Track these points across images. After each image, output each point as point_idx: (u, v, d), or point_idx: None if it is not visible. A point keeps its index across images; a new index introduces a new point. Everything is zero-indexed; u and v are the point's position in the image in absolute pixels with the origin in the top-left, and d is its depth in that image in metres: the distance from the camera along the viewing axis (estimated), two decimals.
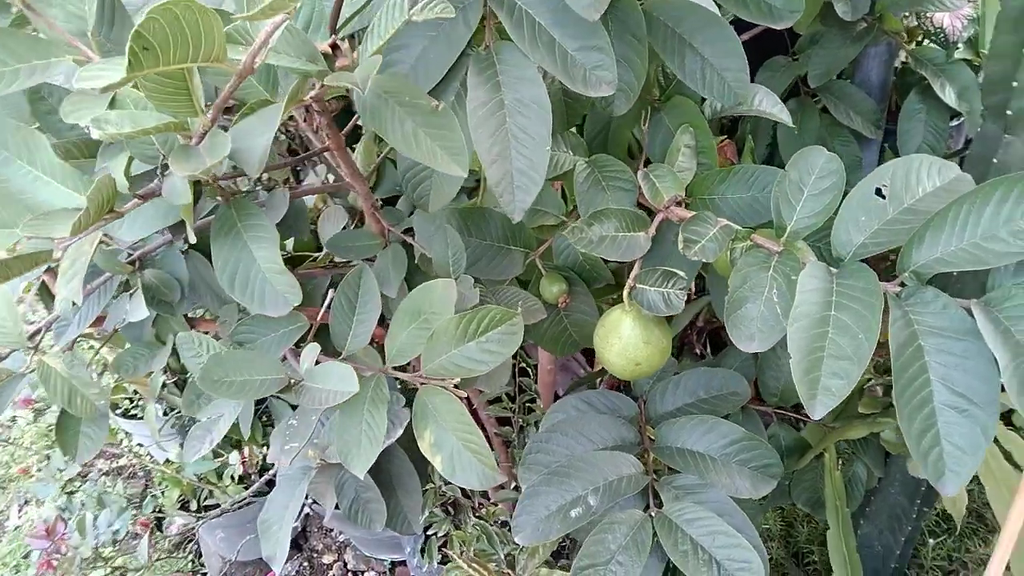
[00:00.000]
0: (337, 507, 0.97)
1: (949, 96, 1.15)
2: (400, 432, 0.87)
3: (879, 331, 0.62)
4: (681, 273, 0.72)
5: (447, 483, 1.20)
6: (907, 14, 1.21)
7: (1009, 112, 0.79)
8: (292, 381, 0.68)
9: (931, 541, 1.36)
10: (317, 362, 0.69)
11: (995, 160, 0.82)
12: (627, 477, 0.82)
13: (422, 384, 0.73)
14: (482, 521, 1.19)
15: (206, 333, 0.91)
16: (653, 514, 0.79)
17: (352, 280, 0.74)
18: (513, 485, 1.25)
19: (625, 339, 0.76)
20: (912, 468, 0.95)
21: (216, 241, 0.64)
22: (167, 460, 2.08)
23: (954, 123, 1.33)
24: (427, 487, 1.20)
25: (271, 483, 1.86)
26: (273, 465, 1.87)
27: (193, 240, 0.61)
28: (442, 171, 0.54)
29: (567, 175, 0.92)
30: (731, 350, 1.07)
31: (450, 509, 1.29)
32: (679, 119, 0.91)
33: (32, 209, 0.50)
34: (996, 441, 0.99)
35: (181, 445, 2.03)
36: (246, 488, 1.91)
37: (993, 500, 0.98)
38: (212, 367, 0.63)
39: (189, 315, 0.91)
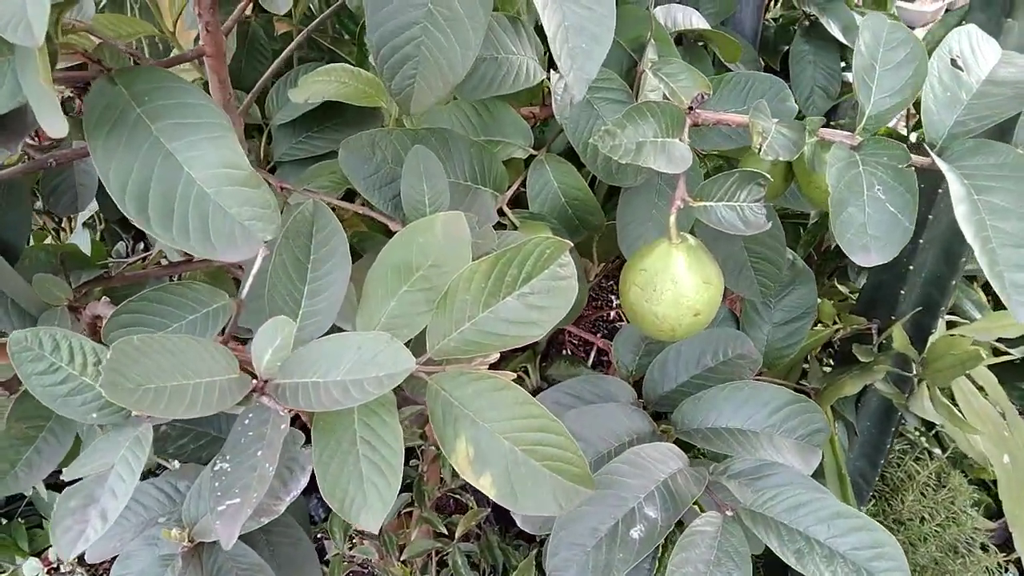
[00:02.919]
0: None
1: (835, 31, 1.11)
2: (304, 482, 0.60)
3: None
4: (764, 173, 0.54)
5: (355, 543, 0.91)
6: None
7: None
8: (257, 384, 0.39)
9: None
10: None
11: None
12: (680, 473, 0.62)
13: (432, 373, 0.47)
14: None
15: None
16: (730, 513, 0.59)
17: (300, 224, 0.47)
18: (430, 532, 0.99)
19: (681, 282, 0.57)
20: (917, 409, 0.85)
21: (98, 142, 0.35)
22: None
23: None
24: (334, 554, 0.90)
25: None
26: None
27: (64, 131, 0.31)
28: None
29: (536, 92, 0.71)
30: None
31: None
32: (629, 32, 0.74)
33: None
34: (972, 380, 0.93)
35: None
36: None
37: (985, 440, 0.90)
38: (123, 363, 0.33)
39: None
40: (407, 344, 0.48)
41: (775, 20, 1.28)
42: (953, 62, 0.59)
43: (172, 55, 0.80)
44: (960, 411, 0.91)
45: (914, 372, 0.87)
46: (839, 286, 1.11)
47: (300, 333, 0.48)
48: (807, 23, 1.15)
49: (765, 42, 1.26)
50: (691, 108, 0.61)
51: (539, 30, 0.79)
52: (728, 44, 0.83)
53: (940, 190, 0.84)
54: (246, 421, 0.46)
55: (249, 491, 0.44)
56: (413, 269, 0.49)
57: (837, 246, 1.25)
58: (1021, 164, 0.51)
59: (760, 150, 0.55)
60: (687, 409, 0.70)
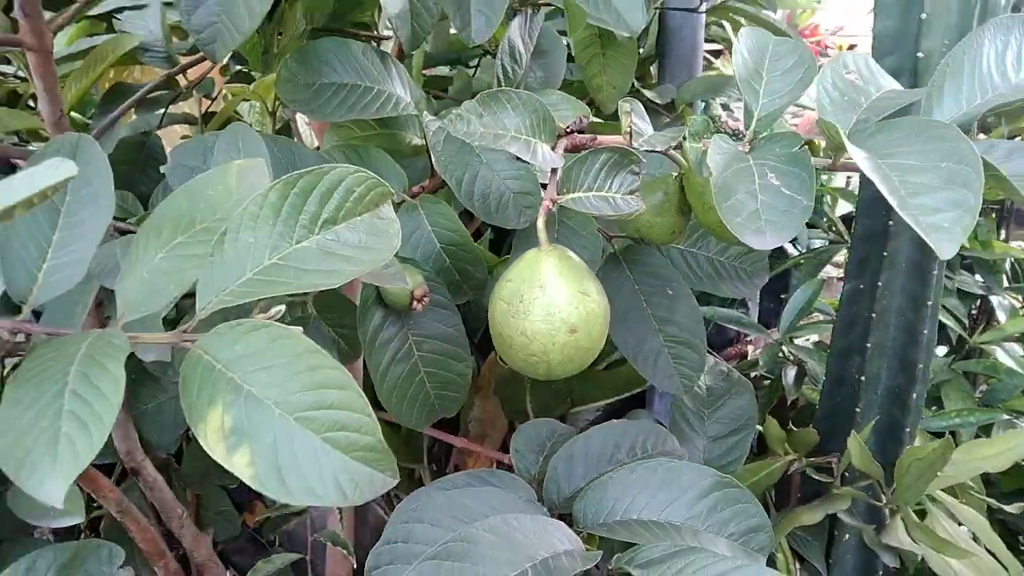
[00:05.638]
0: None
1: None
2: None
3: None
4: (638, 155, 0.47)
5: None
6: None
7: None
8: None
9: None
10: None
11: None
12: (567, 554, 0.47)
13: (193, 343, 0.36)
14: None
15: None
16: None
17: (57, 153, 0.39)
18: None
19: (550, 288, 0.47)
20: (893, 541, 0.69)
21: None
22: None
23: None
24: None
25: None
26: None
27: None
28: None
29: (420, 151, 0.66)
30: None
31: None
32: None
33: None
34: (977, 540, 0.78)
35: None
36: None
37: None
38: None
39: None
40: (177, 302, 0.38)
41: None
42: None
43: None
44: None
45: (884, 501, 0.73)
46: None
47: (41, 292, 0.38)
48: None
49: None
50: (569, 130, 0.55)
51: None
52: None
53: (880, 283, 0.76)
54: None
55: None
56: (195, 223, 0.40)
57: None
58: (923, 126, 0.45)
59: (630, 135, 0.48)
60: (592, 498, 0.56)
